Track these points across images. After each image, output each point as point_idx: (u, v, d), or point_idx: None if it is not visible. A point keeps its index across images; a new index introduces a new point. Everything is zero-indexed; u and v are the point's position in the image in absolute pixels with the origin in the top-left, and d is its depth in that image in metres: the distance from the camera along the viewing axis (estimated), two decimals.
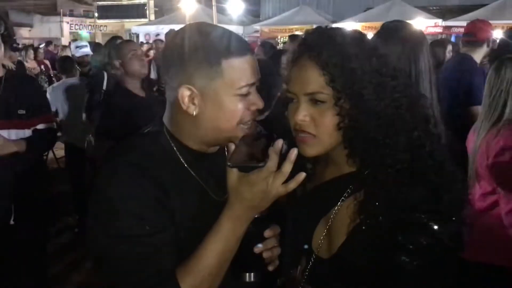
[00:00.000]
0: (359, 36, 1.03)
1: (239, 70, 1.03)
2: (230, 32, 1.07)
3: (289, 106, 1.05)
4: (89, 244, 1.01)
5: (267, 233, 1.06)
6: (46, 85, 6.37)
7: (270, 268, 1.09)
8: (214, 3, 15.70)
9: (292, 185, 0.97)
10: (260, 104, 1.07)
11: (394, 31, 1.76)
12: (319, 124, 0.99)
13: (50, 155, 6.08)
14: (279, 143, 0.96)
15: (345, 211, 1.01)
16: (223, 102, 1.02)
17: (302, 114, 1.00)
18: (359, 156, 1.00)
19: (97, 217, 1.01)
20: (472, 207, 2.01)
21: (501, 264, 1.95)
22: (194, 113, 1.04)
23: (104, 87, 3.82)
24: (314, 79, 0.97)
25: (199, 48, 1.01)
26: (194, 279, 0.98)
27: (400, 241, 0.89)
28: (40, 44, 12.50)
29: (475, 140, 2.06)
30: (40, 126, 2.52)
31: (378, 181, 0.95)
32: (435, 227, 0.89)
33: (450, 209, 0.91)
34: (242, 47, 1.05)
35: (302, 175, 0.97)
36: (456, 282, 0.93)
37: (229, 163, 0.97)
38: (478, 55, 3.41)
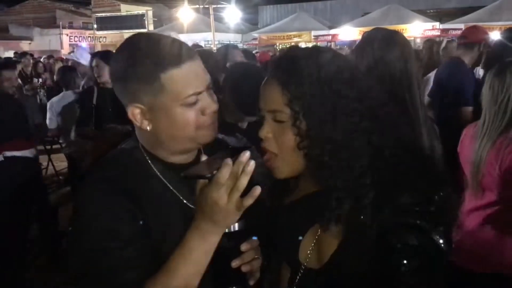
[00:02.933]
0: (328, 55, 0.99)
1: (181, 81, 1.00)
2: (167, 41, 1.03)
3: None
4: (68, 261, 1.03)
5: (244, 246, 1.03)
6: (44, 98, 6.33)
7: (251, 282, 1.07)
8: (211, 12, 15.80)
9: (248, 201, 0.94)
10: (213, 106, 1.05)
11: (376, 40, 1.79)
12: (280, 143, 0.99)
13: (50, 166, 6.09)
14: (244, 155, 0.93)
15: (317, 230, 1.00)
16: (173, 115, 1.01)
17: (265, 131, 1.00)
18: (319, 179, 0.98)
19: (73, 233, 1.03)
20: (468, 218, 1.99)
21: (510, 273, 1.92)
22: (149, 129, 1.04)
23: (94, 101, 3.67)
24: (275, 98, 0.98)
25: (136, 65, 0.99)
26: None
27: (393, 243, 0.87)
28: (40, 58, 12.56)
29: (475, 148, 1.97)
30: (8, 153, 2.36)
31: (336, 205, 0.93)
32: (426, 226, 0.87)
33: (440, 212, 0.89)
34: (179, 56, 1.00)
35: (257, 189, 0.94)
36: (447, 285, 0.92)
37: (181, 173, 0.97)
38: (470, 58, 3.44)
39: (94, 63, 3.64)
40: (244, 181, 0.92)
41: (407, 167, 0.92)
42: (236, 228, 1.01)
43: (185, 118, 1.01)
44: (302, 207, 1.08)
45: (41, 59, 11.19)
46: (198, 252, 0.98)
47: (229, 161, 0.92)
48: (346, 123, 0.93)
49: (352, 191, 0.92)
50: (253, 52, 7.43)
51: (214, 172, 0.92)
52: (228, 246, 1.01)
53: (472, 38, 3.47)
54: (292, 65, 0.98)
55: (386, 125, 0.97)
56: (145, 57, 0.99)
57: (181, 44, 1.04)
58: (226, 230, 1.00)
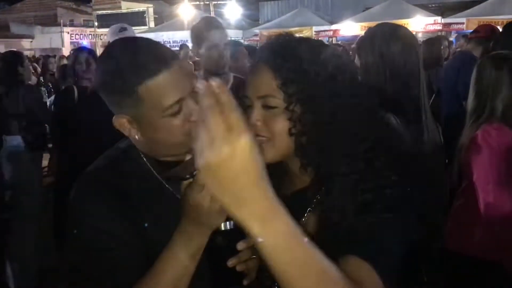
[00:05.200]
0: (317, 43, 1.01)
1: (158, 92, 0.96)
2: (142, 50, 0.99)
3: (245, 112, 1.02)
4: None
5: (240, 245, 1.01)
6: (46, 96, 6.38)
7: (245, 282, 1.05)
8: (212, 8, 15.77)
9: None
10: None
11: (382, 34, 1.78)
12: (271, 128, 0.96)
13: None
14: None
15: (312, 223, 0.99)
16: (158, 126, 0.99)
17: (255, 118, 0.97)
18: (312, 166, 0.97)
19: (68, 231, 1.02)
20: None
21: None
22: (137, 137, 1.03)
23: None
24: (267, 83, 0.96)
25: (113, 78, 0.99)
26: None
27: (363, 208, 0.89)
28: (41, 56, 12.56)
29: (462, 138, 2.07)
30: None
31: (335, 192, 0.92)
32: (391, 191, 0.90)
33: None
34: (154, 66, 0.96)
35: None
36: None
37: (162, 174, 0.95)
38: (480, 53, 3.44)
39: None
40: None
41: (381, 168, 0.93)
42: (232, 227, 0.99)
43: (170, 128, 0.99)
44: (293, 203, 1.06)
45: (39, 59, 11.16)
46: (184, 255, 0.96)
47: None
48: (342, 106, 0.93)
49: (351, 175, 0.91)
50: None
51: (195, 172, 0.89)
52: (224, 245, 1.00)
53: (484, 34, 3.48)
54: (284, 49, 0.96)
55: (373, 114, 0.99)
56: (120, 70, 0.97)
57: (158, 51, 0.99)
58: (222, 228, 0.98)
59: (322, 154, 0.93)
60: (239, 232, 0.99)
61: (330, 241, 0.84)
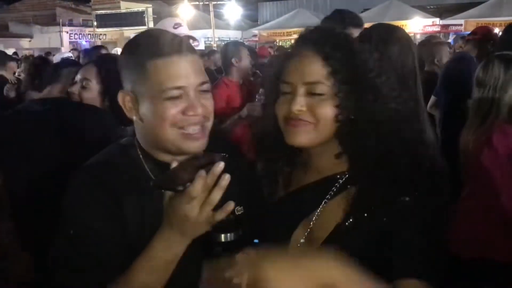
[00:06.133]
0: (354, 38, 1.06)
1: (164, 71, 1.00)
2: (162, 36, 1.05)
3: (280, 100, 1.04)
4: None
5: (238, 257, 0.99)
6: None
7: None
8: (211, 8, 15.78)
9: (220, 215, 0.92)
10: (197, 110, 1.01)
11: (380, 34, 1.81)
12: (317, 114, 0.99)
13: None
14: (217, 167, 0.89)
15: (328, 213, 1.01)
16: (154, 106, 1.01)
17: (300, 104, 1.00)
18: (351, 154, 1.00)
19: (56, 224, 1.04)
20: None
21: None
22: (135, 118, 1.06)
23: None
24: (316, 70, 0.99)
25: (130, 54, 1.06)
26: None
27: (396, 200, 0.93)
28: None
29: (465, 140, 2.04)
30: None
31: (372, 180, 0.95)
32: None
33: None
34: (167, 48, 1.01)
35: (231, 204, 0.92)
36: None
37: (151, 182, 0.94)
38: (478, 55, 3.46)
39: None
40: (217, 196, 0.90)
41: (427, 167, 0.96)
42: (232, 238, 0.97)
43: (163, 111, 1.00)
44: (307, 195, 1.08)
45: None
46: (160, 261, 0.96)
47: (203, 173, 0.88)
48: (387, 101, 0.98)
49: (378, 165, 0.96)
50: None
51: (187, 184, 0.88)
52: (223, 256, 0.97)
53: (481, 35, 3.50)
54: (332, 38, 1.00)
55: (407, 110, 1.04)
56: (137, 47, 1.05)
57: (176, 40, 1.05)
58: (223, 240, 0.96)
59: (364, 143, 0.97)
60: (238, 244, 0.98)
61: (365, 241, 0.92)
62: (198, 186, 0.88)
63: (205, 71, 1.08)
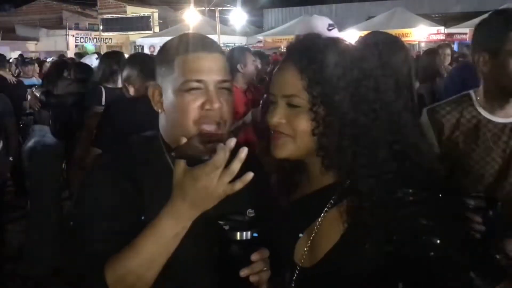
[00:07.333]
0: (343, 46, 1.02)
1: (188, 65, 1.06)
2: (194, 35, 1.14)
3: (269, 109, 1.05)
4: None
5: (254, 256, 1.00)
6: None
7: None
8: (217, 14, 15.86)
9: (238, 185, 0.93)
10: (214, 105, 1.04)
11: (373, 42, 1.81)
12: (294, 127, 0.99)
13: None
14: (232, 140, 0.92)
15: (328, 222, 1.00)
16: (173, 97, 1.06)
17: (278, 116, 1.00)
18: (335, 166, 0.99)
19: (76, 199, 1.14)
20: None
21: None
22: (160, 111, 1.12)
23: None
24: (292, 83, 0.98)
25: (164, 51, 1.13)
26: (117, 271, 0.97)
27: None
28: (46, 58, 12.64)
29: None
30: None
31: (362, 191, 0.94)
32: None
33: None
34: (196, 45, 1.08)
35: (250, 175, 0.93)
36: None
37: (173, 153, 0.95)
38: None
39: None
40: (237, 166, 0.92)
41: (412, 164, 0.95)
42: (248, 237, 0.99)
43: (182, 103, 1.04)
44: (304, 205, 1.08)
45: (47, 60, 11.25)
46: (167, 232, 0.97)
47: (223, 145, 0.91)
48: (366, 110, 0.95)
49: (371, 177, 0.93)
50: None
51: (212, 155, 0.90)
52: (238, 254, 0.99)
53: None
54: (311, 50, 0.98)
55: (397, 120, 0.99)
56: (171, 45, 1.13)
57: (206, 40, 1.13)
58: (238, 238, 0.99)
59: (344, 154, 0.95)
60: (255, 243, 1.01)
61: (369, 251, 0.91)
62: (222, 156, 0.90)
63: (229, 72, 1.13)
